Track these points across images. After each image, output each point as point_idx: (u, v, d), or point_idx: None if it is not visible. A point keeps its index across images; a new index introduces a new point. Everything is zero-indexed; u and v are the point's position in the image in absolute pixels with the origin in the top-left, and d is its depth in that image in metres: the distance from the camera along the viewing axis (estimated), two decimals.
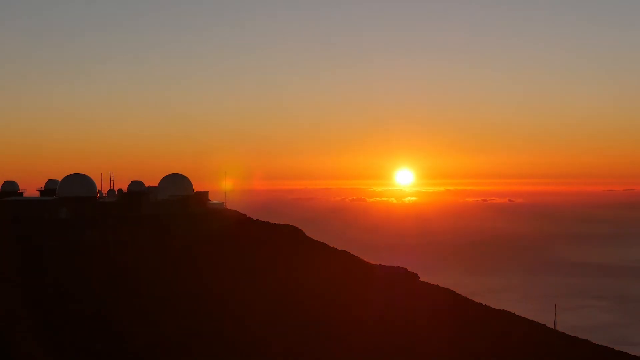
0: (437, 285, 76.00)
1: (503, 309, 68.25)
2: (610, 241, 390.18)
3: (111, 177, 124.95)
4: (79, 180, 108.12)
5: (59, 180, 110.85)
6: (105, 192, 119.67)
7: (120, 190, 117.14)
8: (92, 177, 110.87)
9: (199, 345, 45.81)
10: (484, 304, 69.61)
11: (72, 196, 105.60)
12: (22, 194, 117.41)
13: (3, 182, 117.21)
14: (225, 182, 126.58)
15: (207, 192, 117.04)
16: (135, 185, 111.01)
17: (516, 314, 66.91)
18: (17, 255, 71.90)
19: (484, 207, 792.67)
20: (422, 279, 78.41)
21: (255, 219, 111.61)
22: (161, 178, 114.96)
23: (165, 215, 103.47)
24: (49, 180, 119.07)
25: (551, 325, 72.47)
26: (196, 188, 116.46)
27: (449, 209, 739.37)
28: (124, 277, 64.65)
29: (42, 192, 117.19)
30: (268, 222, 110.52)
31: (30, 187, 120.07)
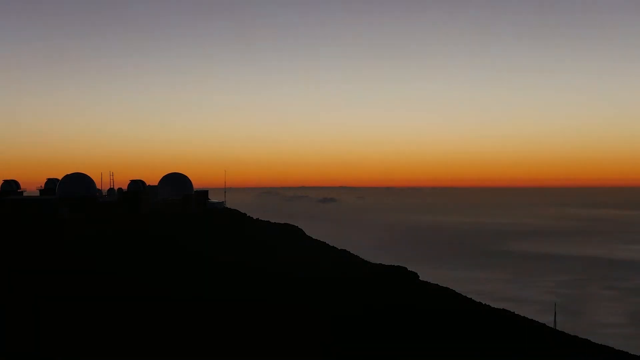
0: (437, 284, 76.15)
1: (503, 308, 68.41)
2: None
3: (111, 177, 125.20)
4: (79, 180, 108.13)
5: (59, 179, 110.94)
6: (105, 191, 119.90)
7: (120, 189, 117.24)
8: (92, 176, 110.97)
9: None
10: (483, 302, 69.78)
11: (71, 195, 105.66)
12: (22, 193, 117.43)
13: (2, 181, 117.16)
14: (225, 181, 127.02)
15: (207, 192, 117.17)
16: (135, 185, 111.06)
17: (516, 313, 67.09)
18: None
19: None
20: (421, 277, 78.67)
21: (255, 218, 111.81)
22: (161, 178, 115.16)
23: (164, 214, 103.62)
24: (48, 179, 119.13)
25: (551, 325, 72.61)
26: (196, 187, 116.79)
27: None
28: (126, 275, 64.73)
29: (42, 192, 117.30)
30: (268, 221, 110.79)
31: (31, 187, 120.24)
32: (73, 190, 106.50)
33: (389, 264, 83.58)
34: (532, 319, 64.28)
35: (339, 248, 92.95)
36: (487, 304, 69.61)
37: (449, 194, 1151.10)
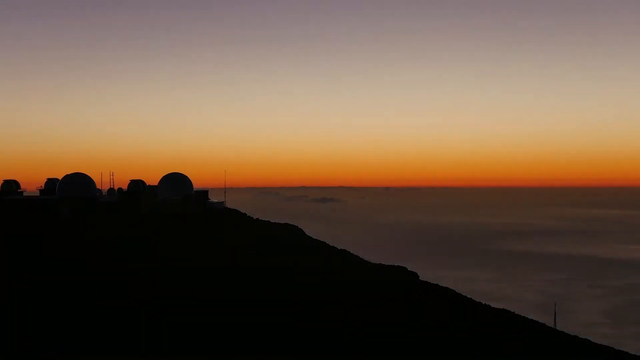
0: (437, 284, 76.13)
1: (503, 308, 68.37)
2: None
3: (111, 177, 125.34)
4: (79, 180, 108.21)
5: (59, 179, 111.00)
6: (105, 191, 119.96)
7: (120, 189, 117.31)
8: (92, 176, 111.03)
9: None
10: (483, 302, 69.75)
11: (72, 195, 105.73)
12: (22, 193, 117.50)
13: (3, 181, 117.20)
14: (225, 181, 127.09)
15: (207, 192, 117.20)
16: (135, 185, 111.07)
17: (516, 313, 67.07)
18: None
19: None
20: (421, 277, 78.65)
21: (255, 218, 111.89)
22: (161, 178, 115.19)
23: (165, 214, 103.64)
24: (48, 179, 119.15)
25: (551, 325, 72.61)
26: (196, 187, 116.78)
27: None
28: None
29: (42, 192, 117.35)
30: (268, 220, 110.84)
31: (31, 187, 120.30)
32: (73, 190, 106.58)
33: (389, 264, 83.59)
34: (532, 319, 64.26)
35: (339, 248, 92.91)
36: (487, 304, 69.58)
37: (449, 194, 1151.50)
